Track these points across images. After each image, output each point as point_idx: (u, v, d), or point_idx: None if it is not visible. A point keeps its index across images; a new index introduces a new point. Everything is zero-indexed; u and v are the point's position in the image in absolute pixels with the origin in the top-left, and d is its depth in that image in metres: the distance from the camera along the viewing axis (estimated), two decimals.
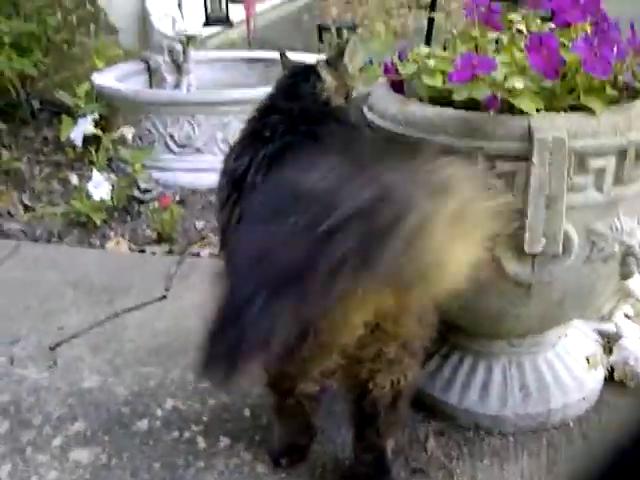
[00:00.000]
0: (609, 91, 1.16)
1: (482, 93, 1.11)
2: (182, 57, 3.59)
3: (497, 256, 1.21)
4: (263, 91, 2.91)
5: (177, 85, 3.63)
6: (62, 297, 2.05)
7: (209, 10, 4.53)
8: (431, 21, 2.38)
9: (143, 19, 3.63)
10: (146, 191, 2.89)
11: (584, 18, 1.18)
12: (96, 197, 2.57)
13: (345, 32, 4.76)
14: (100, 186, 2.57)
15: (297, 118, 1.27)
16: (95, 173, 2.59)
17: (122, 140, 2.89)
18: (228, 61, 3.84)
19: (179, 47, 3.56)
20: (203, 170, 3.00)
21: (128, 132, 2.81)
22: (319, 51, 4.73)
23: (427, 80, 1.21)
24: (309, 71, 1.45)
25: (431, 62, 1.22)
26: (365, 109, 1.36)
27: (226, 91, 3.09)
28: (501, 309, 1.29)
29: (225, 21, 4.54)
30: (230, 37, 5.74)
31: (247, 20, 4.20)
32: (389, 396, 1.19)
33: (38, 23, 3.25)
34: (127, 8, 3.69)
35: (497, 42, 1.25)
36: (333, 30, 4.66)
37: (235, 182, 1.23)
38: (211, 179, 2.90)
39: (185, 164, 3.04)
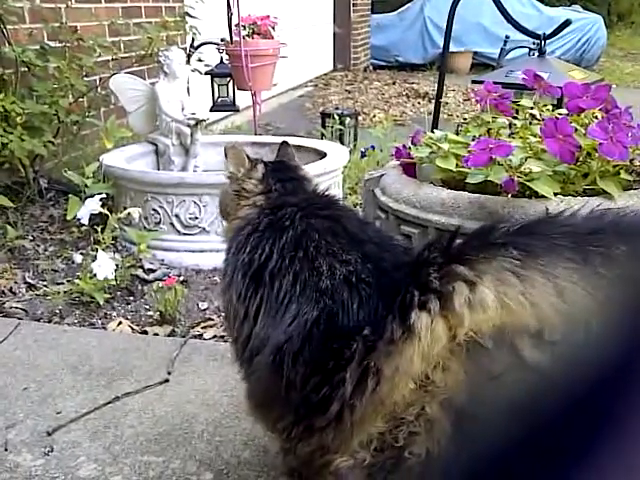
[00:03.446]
0: (624, 175, 1.16)
1: (499, 176, 1.11)
2: (189, 140, 3.66)
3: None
4: None
5: (184, 167, 3.68)
6: (61, 380, 1.99)
7: (216, 95, 4.63)
8: (438, 106, 2.42)
9: (152, 103, 3.71)
10: (150, 271, 2.88)
11: (596, 105, 1.19)
12: (100, 276, 2.54)
13: (347, 119, 4.87)
14: (104, 265, 2.55)
15: (311, 207, 1.27)
16: (100, 252, 2.58)
17: (128, 220, 2.89)
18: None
19: (187, 130, 3.63)
20: (208, 251, 3.01)
21: (135, 212, 2.82)
22: (322, 136, 4.83)
23: (441, 163, 1.21)
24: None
25: (445, 146, 1.22)
26: (377, 191, 1.36)
27: None
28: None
29: (232, 106, 4.63)
30: (235, 122, 5.87)
31: (253, 106, 4.29)
32: (420, 469, 1.13)
33: (50, 104, 3.31)
34: (136, 92, 3.77)
35: (510, 127, 1.26)
36: (335, 117, 4.75)
37: (253, 274, 1.22)
38: (216, 260, 2.96)
39: (190, 245, 3.03)
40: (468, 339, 1.02)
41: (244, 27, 4.26)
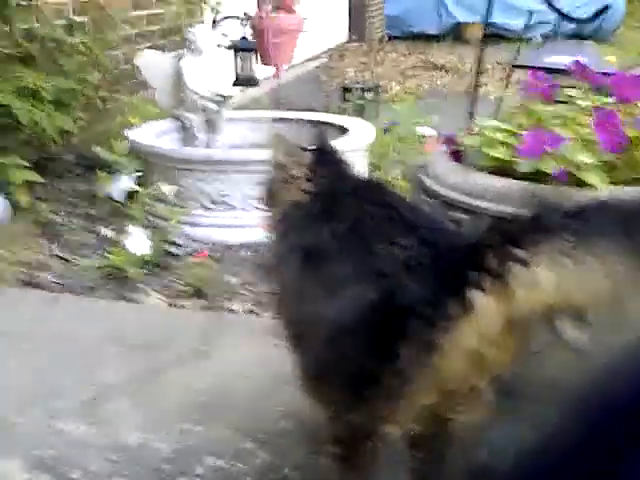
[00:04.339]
0: None
1: (552, 167, 1.15)
2: (215, 116, 3.68)
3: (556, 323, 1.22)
4: None
5: (208, 143, 3.71)
6: (101, 352, 2.06)
7: (238, 70, 4.64)
8: (476, 91, 2.43)
9: (178, 79, 3.73)
10: (180, 246, 2.93)
11: None
12: (134, 251, 2.60)
13: (368, 93, 4.88)
14: (139, 241, 2.61)
15: (364, 193, 1.32)
16: (135, 228, 2.63)
17: (160, 196, 2.94)
18: (257, 121, 3.93)
19: (213, 106, 3.65)
20: (236, 227, 3.06)
21: (168, 189, 2.86)
22: (344, 111, 4.84)
23: (491, 152, 1.25)
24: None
25: (498, 135, 1.26)
26: (425, 178, 1.40)
27: (260, 151, 3.15)
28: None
29: (254, 81, 4.65)
30: (252, 95, 5.87)
31: (275, 79, 4.32)
32: (463, 438, 1.20)
33: (78, 81, 3.34)
34: (162, 67, 3.79)
35: (561, 117, 1.29)
36: (356, 91, 4.76)
37: (307, 255, 1.28)
38: (243, 236, 3.02)
39: (218, 220, 3.08)
40: (520, 318, 1.07)
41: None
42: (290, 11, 4.29)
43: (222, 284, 2.67)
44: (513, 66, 1.91)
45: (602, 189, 1.15)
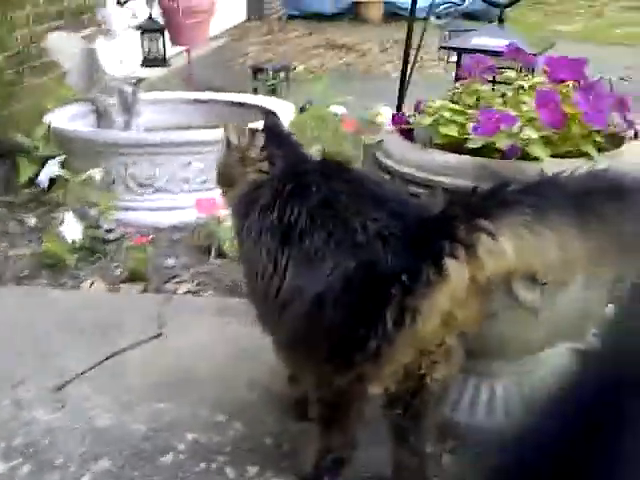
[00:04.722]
0: (598, 139, 1.36)
1: (504, 143, 1.29)
2: (132, 98, 3.65)
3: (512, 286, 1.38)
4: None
5: (127, 126, 3.68)
6: (55, 339, 2.07)
7: (146, 51, 4.60)
8: (403, 79, 2.54)
9: (90, 60, 3.66)
10: (109, 231, 2.92)
11: (575, 77, 1.38)
12: (68, 238, 2.58)
13: (278, 73, 4.94)
14: (72, 227, 2.59)
15: (330, 171, 1.42)
16: (67, 214, 2.61)
17: (88, 181, 2.91)
18: (174, 102, 3.93)
19: (128, 89, 3.62)
20: (165, 209, 3.08)
21: (97, 173, 2.84)
22: (255, 91, 4.88)
23: (444, 130, 1.37)
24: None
25: (447, 114, 1.39)
26: (380, 155, 1.51)
27: (188, 132, 3.18)
28: (511, 333, 1.46)
29: (163, 62, 4.62)
30: (160, 76, 5.80)
31: (189, 61, 4.30)
32: (437, 393, 1.34)
33: None
34: (73, 49, 3.70)
35: (503, 96, 1.44)
36: (269, 72, 4.81)
37: (282, 233, 1.36)
38: (173, 217, 3.05)
39: (147, 204, 3.09)
40: (485, 282, 1.21)
41: None
42: None
43: (159, 267, 2.69)
44: (441, 47, 2.05)
45: (546, 161, 1.30)
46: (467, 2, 9.87)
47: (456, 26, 7.45)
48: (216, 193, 3.02)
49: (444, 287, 1.19)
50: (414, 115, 1.49)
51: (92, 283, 2.54)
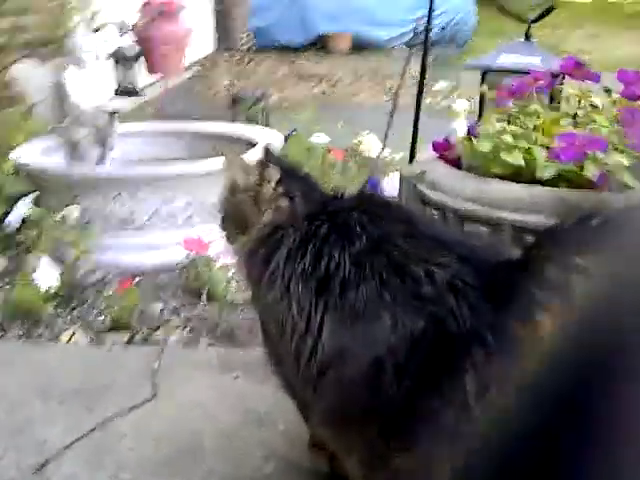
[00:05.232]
0: None
1: (591, 171, 1.09)
2: (106, 130, 3.40)
3: None
4: (208, 164, 2.82)
5: (101, 160, 3.42)
6: (34, 405, 1.78)
7: (119, 81, 4.35)
8: (419, 99, 2.35)
9: (60, 91, 3.41)
10: (88, 275, 2.65)
11: None
12: (43, 285, 2.31)
13: (258, 102, 4.75)
14: (47, 272, 2.32)
15: (372, 209, 1.20)
16: (42, 259, 2.34)
17: (61, 221, 2.65)
18: (152, 134, 3.69)
19: (102, 120, 3.37)
20: (149, 248, 2.82)
21: (72, 212, 2.58)
22: (234, 121, 4.67)
23: (507, 157, 1.17)
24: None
25: (509, 139, 1.18)
26: (425, 188, 1.29)
27: (171, 165, 2.93)
28: None
29: (136, 93, 4.37)
30: (136, 106, 5.55)
31: (163, 92, 4.08)
32: None
33: None
34: (42, 80, 3.46)
35: (574, 117, 1.24)
36: (247, 100, 4.60)
37: (318, 283, 1.13)
38: (158, 257, 2.79)
39: (129, 243, 2.82)
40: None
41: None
42: (174, 20, 4.06)
43: (146, 313, 2.43)
44: (466, 67, 1.89)
45: (636, 190, 1.11)
46: (436, 30, 9.85)
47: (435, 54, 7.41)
48: (204, 229, 2.81)
49: (539, 345, 0.96)
50: (466, 140, 1.28)
51: (72, 335, 2.26)
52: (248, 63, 9.09)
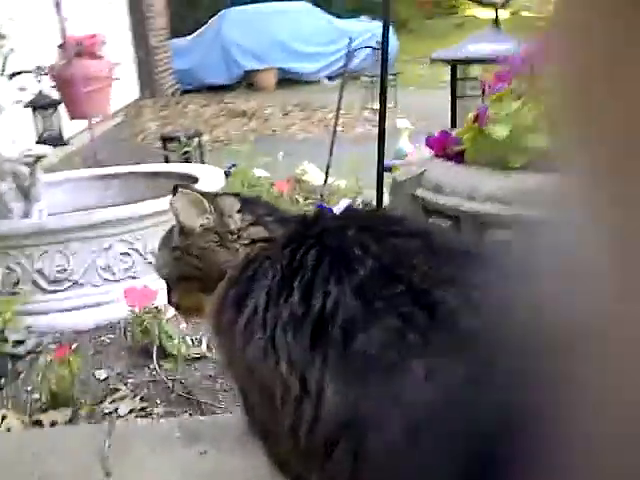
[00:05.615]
0: None
1: None
2: (29, 181, 3.06)
3: None
4: (144, 207, 2.51)
5: (27, 213, 3.07)
6: None
7: (40, 129, 4.02)
8: (382, 120, 2.13)
9: None
10: (18, 344, 2.30)
11: None
12: None
13: (194, 140, 4.49)
14: None
15: (372, 225, 0.94)
16: None
17: None
18: (80, 181, 3.37)
19: (25, 170, 3.03)
20: (86, 307, 2.50)
21: None
22: (166, 161, 4.38)
23: (534, 141, 0.93)
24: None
25: (528, 118, 0.95)
26: (424, 192, 1.05)
27: (102, 211, 2.62)
28: None
29: (59, 140, 4.05)
30: (58, 156, 5.20)
31: (91, 134, 3.77)
32: None
33: None
34: None
35: None
36: (182, 139, 4.33)
37: (314, 329, 0.86)
38: (97, 316, 2.46)
39: (63, 303, 2.49)
40: None
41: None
42: (95, 57, 3.78)
43: (88, 383, 2.10)
44: (432, 59, 1.71)
45: None
46: (358, 61, 9.83)
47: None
48: (148, 279, 2.50)
49: None
50: (473, 129, 1.05)
51: (2, 418, 1.91)
52: (174, 106, 8.82)
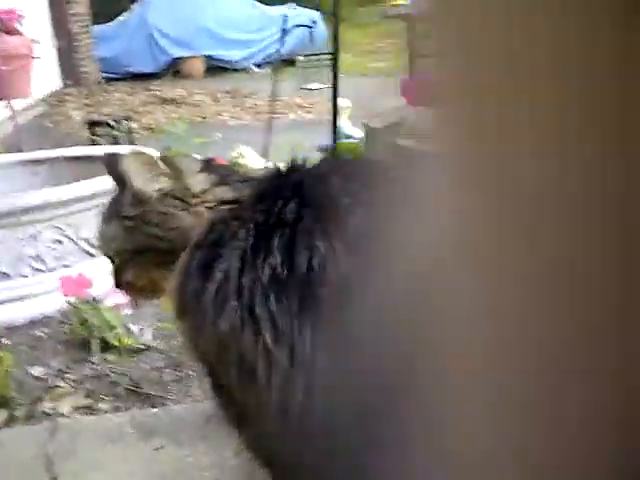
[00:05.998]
0: None
1: None
2: None
3: None
4: (75, 189, 2.32)
5: None
6: None
7: None
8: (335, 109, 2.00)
9: None
10: None
11: None
12: None
13: (123, 124, 4.28)
14: None
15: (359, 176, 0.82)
16: None
17: None
18: (4, 167, 3.12)
19: None
20: (17, 300, 2.29)
21: None
22: (94, 145, 4.15)
23: None
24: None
25: None
26: (408, 142, 0.93)
27: (29, 194, 2.40)
28: None
29: None
30: None
31: (13, 117, 3.50)
32: None
33: None
34: None
35: None
36: (111, 123, 4.11)
37: (302, 289, 0.74)
38: (30, 309, 2.26)
39: None
40: None
41: None
42: (14, 33, 3.51)
43: (25, 382, 1.91)
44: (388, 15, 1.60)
45: None
46: (289, 46, 9.65)
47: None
48: (84, 267, 2.32)
49: None
50: None
51: None
52: (99, 94, 8.48)
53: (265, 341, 0.77)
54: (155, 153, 1.00)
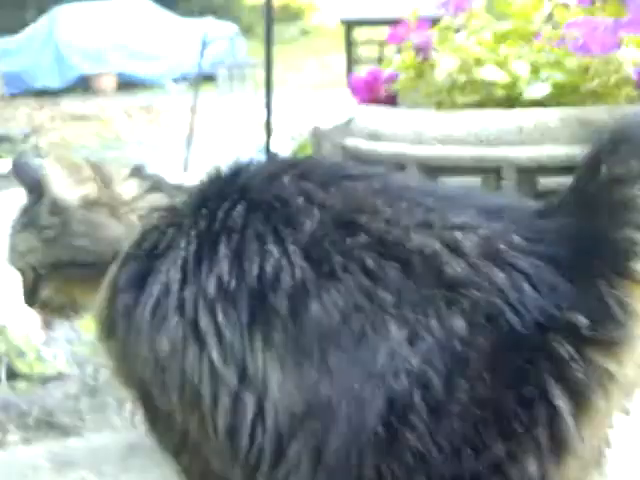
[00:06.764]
0: None
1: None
2: None
3: None
4: None
5: None
6: None
7: None
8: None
9: None
10: None
11: None
12: None
13: (29, 140, 4.09)
14: None
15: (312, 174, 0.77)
16: None
17: None
18: None
19: None
20: None
21: None
22: None
23: (489, 74, 0.80)
24: None
25: (478, 51, 0.82)
26: (361, 141, 0.89)
27: None
28: None
29: None
30: None
31: None
32: None
33: None
34: None
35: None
36: (18, 137, 3.91)
37: (254, 302, 0.69)
38: None
39: None
40: None
41: None
42: None
43: None
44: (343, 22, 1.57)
45: None
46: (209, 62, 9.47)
47: None
48: None
49: None
50: (411, 65, 0.90)
51: None
52: (4, 109, 8.10)
53: (211, 358, 0.70)
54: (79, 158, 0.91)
